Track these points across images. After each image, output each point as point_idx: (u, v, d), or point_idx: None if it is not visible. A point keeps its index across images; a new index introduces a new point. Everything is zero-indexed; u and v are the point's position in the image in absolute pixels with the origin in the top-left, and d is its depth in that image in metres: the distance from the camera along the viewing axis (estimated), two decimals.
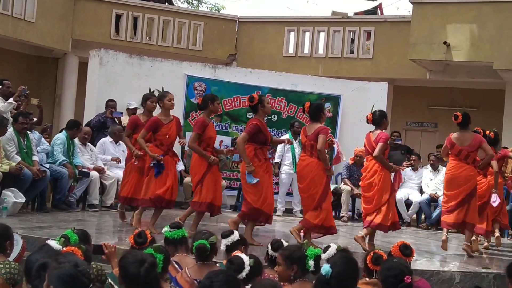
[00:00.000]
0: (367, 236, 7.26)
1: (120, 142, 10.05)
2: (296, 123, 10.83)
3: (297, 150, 10.95)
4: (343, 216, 10.62)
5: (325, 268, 3.45)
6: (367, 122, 7.47)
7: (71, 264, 2.83)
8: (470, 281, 6.39)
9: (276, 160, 10.80)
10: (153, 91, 8.24)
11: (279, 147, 10.80)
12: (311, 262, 3.95)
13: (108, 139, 9.99)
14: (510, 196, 10.65)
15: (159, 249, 3.87)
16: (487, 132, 8.56)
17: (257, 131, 7.13)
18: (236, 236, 4.59)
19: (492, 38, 13.30)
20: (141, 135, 7.53)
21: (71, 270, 2.78)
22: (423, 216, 11.28)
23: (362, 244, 7.10)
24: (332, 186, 11.12)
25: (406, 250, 4.36)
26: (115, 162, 9.88)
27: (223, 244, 4.54)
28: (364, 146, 7.55)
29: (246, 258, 3.92)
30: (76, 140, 9.50)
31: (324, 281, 3.43)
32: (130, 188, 7.90)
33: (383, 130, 7.31)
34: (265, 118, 11.15)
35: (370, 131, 7.50)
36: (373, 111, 7.51)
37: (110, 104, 10.32)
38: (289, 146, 10.65)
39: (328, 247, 4.25)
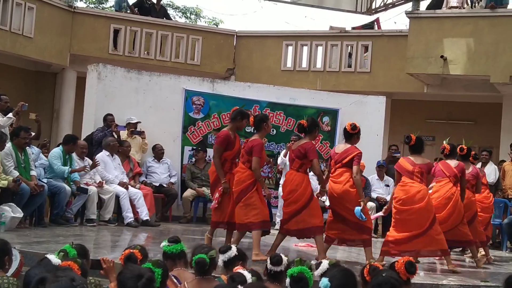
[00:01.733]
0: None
1: (115, 155, 10.03)
2: (293, 136, 10.84)
3: None
4: None
5: (324, 282, 3.44)
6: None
7: (68, 278, 2.83)
8: None
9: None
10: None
11: (279, 160, 10.82)
12: (287, 281, 3.93)
13: (105, 153, 9.96)
14: (508, 210, 10.66)
15: (157, 264, 3.86)
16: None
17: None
18: (234, 251, 4.58)
19: (489, 52, 13.36)
20: (257, 162, 7.11)
21: (68, 285, 2.78)
22: None
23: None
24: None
25: (411, 268, 4.31)
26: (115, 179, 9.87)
27: (221, 259, 4.53)
28: (440, 170, 8.15)
29: (248, 276, 3.91)
30: (74, 155, 9.49)
31: None
32: (228, 212, 7.39)
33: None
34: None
35: (446, 160, 8.31)
36: (448, 142, 8.37)
37: (109, 118, 10.34)
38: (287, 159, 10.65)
39: (320, 263, 4.23)
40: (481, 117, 15.95)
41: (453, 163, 8.25)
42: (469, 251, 8.72)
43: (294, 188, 7.15)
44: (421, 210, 7.31)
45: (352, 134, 7.39)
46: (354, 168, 7.16)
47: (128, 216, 9.63)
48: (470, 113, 16.25)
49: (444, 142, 8.56)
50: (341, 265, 4.18)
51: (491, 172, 10.94)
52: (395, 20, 42.37)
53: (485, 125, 15.39)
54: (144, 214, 9.77)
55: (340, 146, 7.54)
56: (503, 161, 11.79)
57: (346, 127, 7.45)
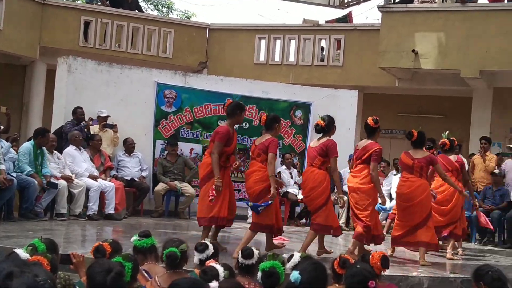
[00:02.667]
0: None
1: (83, 149, 9.92)
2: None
3: None
4: None
5: (294, 275, 3.44)
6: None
7: (32, 274, 2.79)
8: (438, 286, 6.47)
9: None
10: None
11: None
12: (259, 274, 3.93)
13: (72, 148, 9.84)
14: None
15: (127, 258, 3.83)
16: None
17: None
18: (211, 250, 4.55)
19: (459, 46, 13.51)
20: (272, 157, 7.07)
21: (31, 281, 2.74)
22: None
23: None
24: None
25: (385, 262, 4.38)
26: (86, 173, 9.76)
27: (197, 258, 4.48)
28: (442, 164, 8.25)
29: (220, 269, 3.90)
30: (45, 149, 9.36)
31: None
32: (225, 208, 7.26)
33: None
34: (236, 126, 11.20)
35: (446, 155, 8.60)
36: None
37: (79, 111, 10.21)
38: None
39: (292, 255, 4.24)
40: (451, 111, 16.14)
41: (453, 157, 8.66)
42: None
43: (316, 185, 7.15)
44: (421, 203, 7.59)
45: (376, 129, 7.48)
46: (372, 164, 7.28)
47: (93, 208, 9.57)
48: (440, 107, 16.43)
49: (443, 136, 8.80)
50: (312, 258, 4.19)
51: None
52: (367, 14, 42.62)
53: (455, 119, 15.58)
54: (110, 208, 9.71)
55: (362, 141, 7.60)
56: (473, 154, 11.94)
57: (369, 122, 7.48)
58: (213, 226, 7.39)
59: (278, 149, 7.50)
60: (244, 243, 6.92)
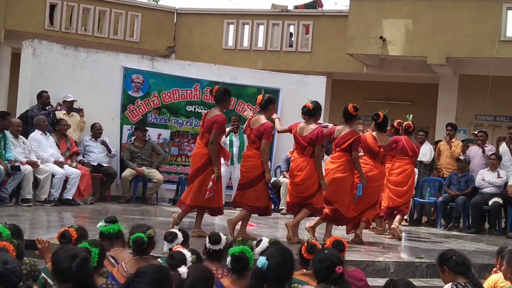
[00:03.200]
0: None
1: (48, 133, 9.77)
2: (232, 116, 10.80)
3: (236, 143, 10.95)
4: (282, 209, 10.68)
5: (261, 260, 3.45)
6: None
7: (1, 261, 2.75)
8: (404, 270, 6.55)
9: None
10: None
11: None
12: (228, 259, 3.95)
13: (38, 132, 9.67)
14: (442, 189, 10.95)
15: (94, 243, 3.81)
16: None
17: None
18: (180, 239, 4.53)
19: (427, 34, 13.63)
20: (265, 144, 7.13)
21: (1, 268, 2.70)
22: None
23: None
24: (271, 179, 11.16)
25: (339, 246, 4.42)
26: (52, 159, 9.62)
27: (167, 247, 4.45)
28: (404, 148, 8.87)
29: (188, 254, 3.89)
30: (8, 133, 9.19)
31: (260, 274, 3.42)
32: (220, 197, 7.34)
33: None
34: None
35: (408, 137, 8.99)
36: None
37: (44, 95, 10.05)
38: (228, 139, 10.64)
39: (260, 240, 4.26)
40: (418, 97, 16.30)
41: (414, 142, 9.20)
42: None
43: (309, 175, 7.28)
44: (376, 188, 7.93)
45: (354, 116, 7.57)
46: (353, 153, 7.45)
47: (54, 194, 9.43)
48: (407, 94, 16.58)
49: (407, 118, 9.10)
50: (280, 244, 4.20)
51: (426, 152, 11.22)
52: (336, 0, 42.70)
53: (422, 105, 15.74)
54: (69, 194, 9.58)
55: (339, 128, 7.63)
56: (439, 141, 12.09)
57: (349, 108, 7.53)
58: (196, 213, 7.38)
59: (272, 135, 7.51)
60: (238, 220, 7.25)
